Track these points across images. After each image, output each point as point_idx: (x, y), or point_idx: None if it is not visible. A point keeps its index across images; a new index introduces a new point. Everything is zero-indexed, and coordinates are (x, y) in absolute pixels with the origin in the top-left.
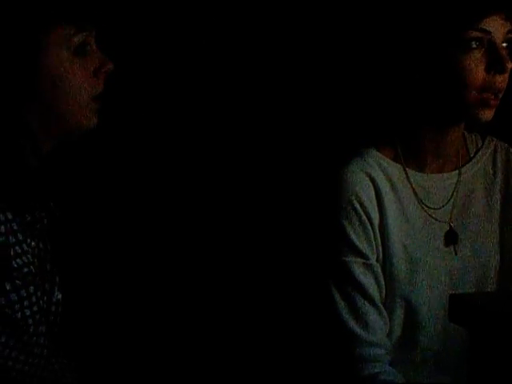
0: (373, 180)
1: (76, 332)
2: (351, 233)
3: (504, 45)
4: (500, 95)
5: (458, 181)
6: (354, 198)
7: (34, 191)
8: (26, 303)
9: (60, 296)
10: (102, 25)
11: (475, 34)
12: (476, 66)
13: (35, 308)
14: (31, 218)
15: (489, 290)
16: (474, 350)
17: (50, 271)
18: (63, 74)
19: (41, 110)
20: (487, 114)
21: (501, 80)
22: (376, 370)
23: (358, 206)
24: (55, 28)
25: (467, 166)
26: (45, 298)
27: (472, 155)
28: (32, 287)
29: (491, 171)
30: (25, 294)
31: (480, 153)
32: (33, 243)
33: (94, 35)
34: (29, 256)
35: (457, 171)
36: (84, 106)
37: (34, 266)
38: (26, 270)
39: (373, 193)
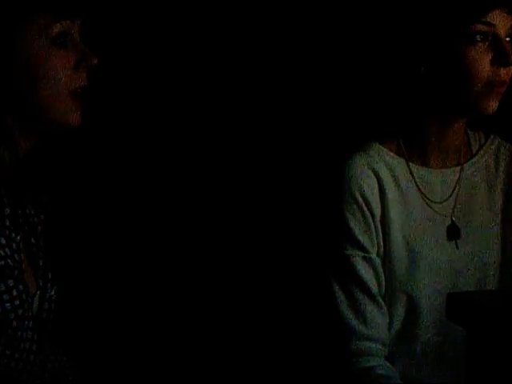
0: (376, 174)
1: (74, 328)
2: (353, 226)
3: (507, 39)
4: (505, 85)
5: (460, 176)
6: (356, 191)
7: (16, 186)
8: (5, 297)
9: (53, 292)
10: (90, 16)
11: (480, 27)
12: (481, 59)
13: (17, 302)
14: (11, 212)
15: (489, 284)
16: (472, 348)
17: (42, 267)
18: (40, 64)
19: (17, 103)
20: (492, 105)
21: (505, 73)
22: (371, 364)
23: (360, 199)
24: (33, 16)
25: (469, 162)
26: (37, 292)
27: (474, 152)
28: (11, 281)
29: (493, 168)
30: (3, 288)
31: (483, 150)
32: (18, 237)
33: (77, 26)
34: (7, 250)
35: (459, 167)
36: (61, 100)
37: (13, 260)
38: (2, 262)
39: (376, 186)
